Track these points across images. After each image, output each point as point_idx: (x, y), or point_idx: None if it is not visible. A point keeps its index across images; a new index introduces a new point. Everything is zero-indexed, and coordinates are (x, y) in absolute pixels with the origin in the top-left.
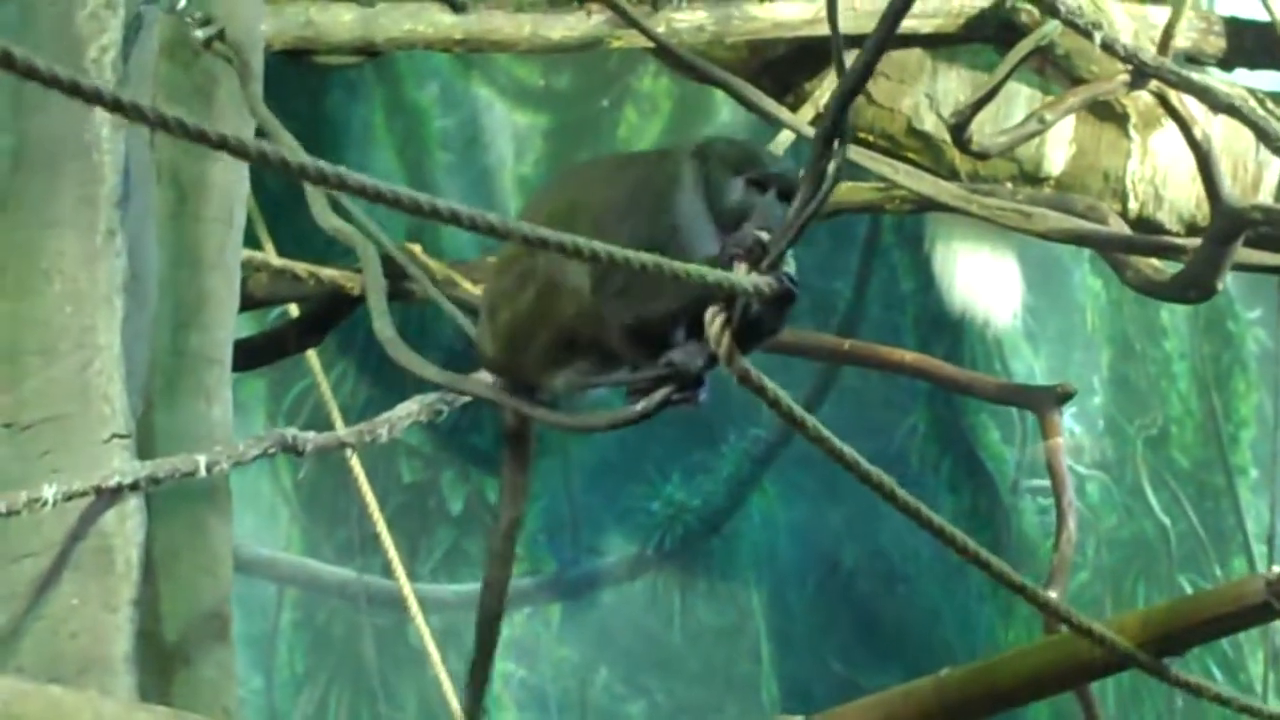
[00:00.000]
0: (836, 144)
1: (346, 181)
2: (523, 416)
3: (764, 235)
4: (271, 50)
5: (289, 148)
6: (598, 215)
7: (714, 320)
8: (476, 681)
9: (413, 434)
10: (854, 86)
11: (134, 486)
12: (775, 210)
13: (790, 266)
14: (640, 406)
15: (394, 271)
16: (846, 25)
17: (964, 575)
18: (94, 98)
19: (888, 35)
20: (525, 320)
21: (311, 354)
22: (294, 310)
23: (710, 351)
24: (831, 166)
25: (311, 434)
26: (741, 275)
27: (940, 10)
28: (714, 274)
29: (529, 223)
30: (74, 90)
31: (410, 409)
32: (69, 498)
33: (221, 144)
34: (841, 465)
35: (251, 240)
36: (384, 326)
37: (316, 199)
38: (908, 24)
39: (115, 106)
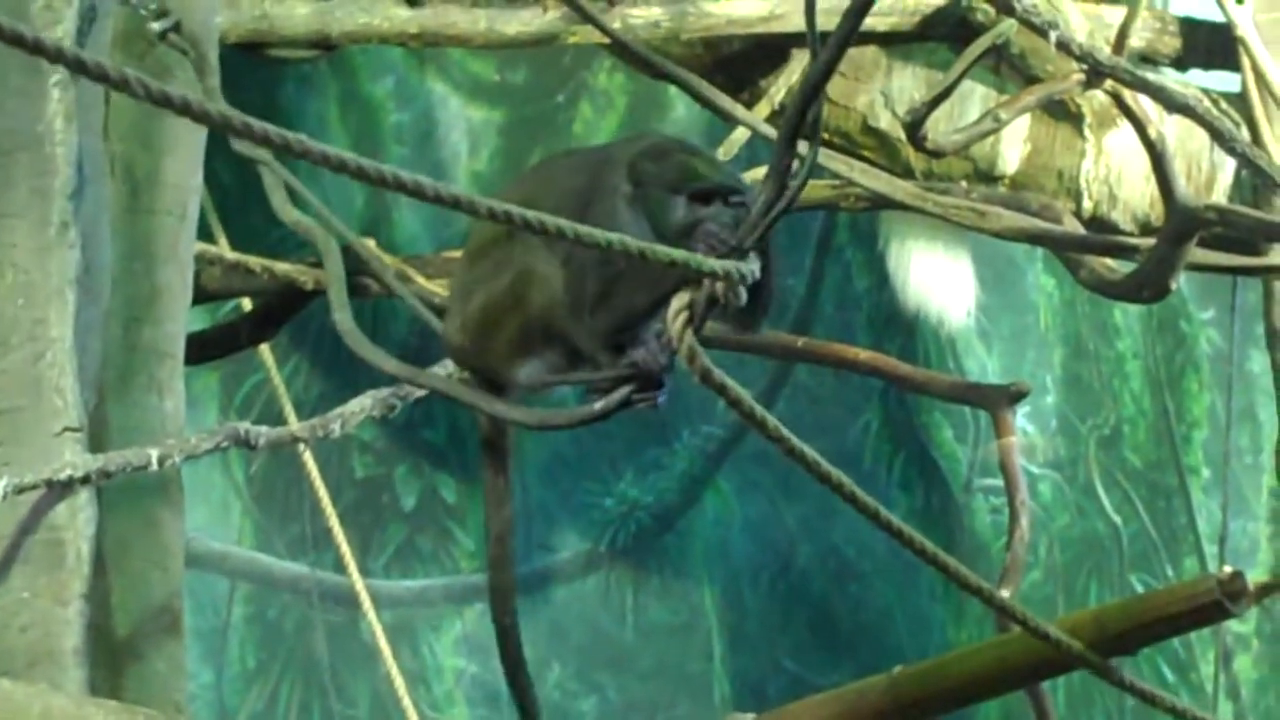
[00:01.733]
0: (808, 145)
1: (308, 150)
2: (497, 422)
3: (728, 236)
4: (226, 43)
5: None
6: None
7: (676, 318)
8: (522, 693)
9: (366, 429)
10: (816, 85)
11: (85, 480)
12: (723, 219)
13: (755, 265)
14: (600, 405)
15: (349, 267)
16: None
17: (917, 574)
18: (55, 56)
19: (849, 34)
20: (495, 307)
21: (265, 348)
22: (247, 304)
23: (672, 351)
24: (806, 164)
25: (264, 428)
26: (711, 260)
27: (896, 8)
28: (683, 255)
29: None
30: (37, 48)
31: (363, 404)
32: (20, 491)
33: (184, 108)
34: (801, 465)
35: (205, 233)
36: (344, 319)
37: (276, 191)
38: (864, 22)
39: (78, 66)
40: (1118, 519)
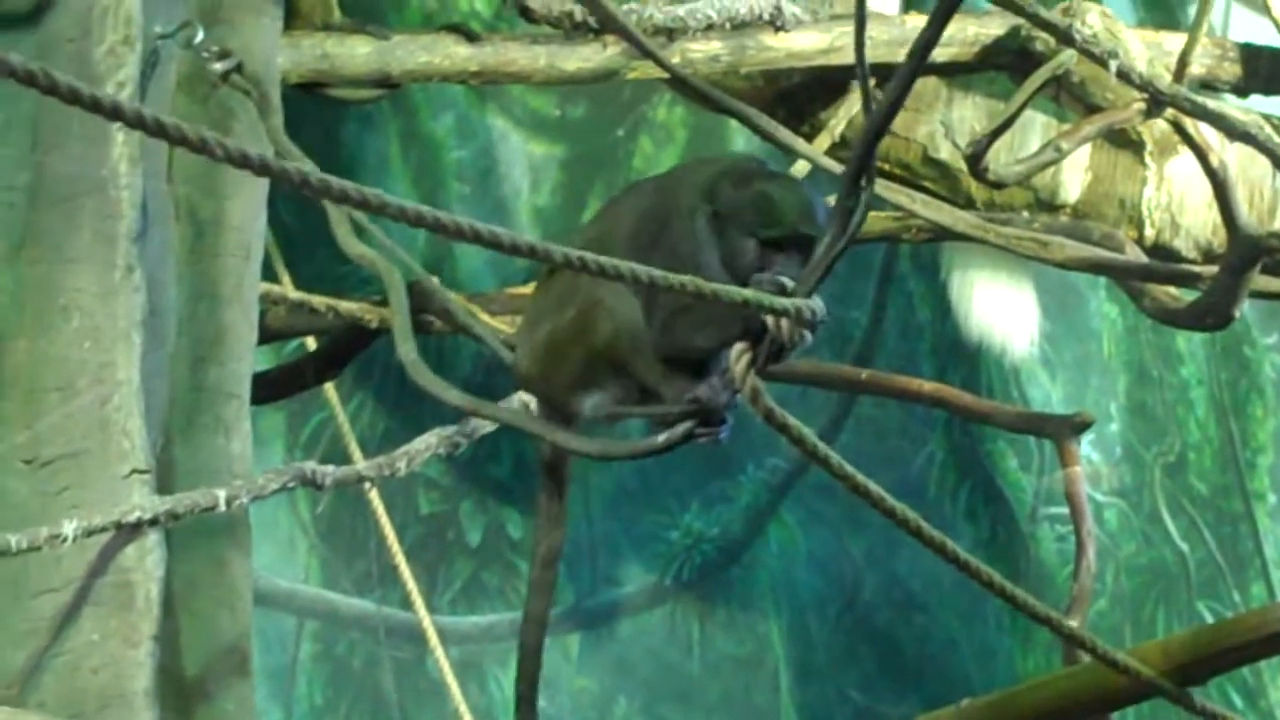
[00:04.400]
0: (863, 181)
1: (373, 201)
2: (558, 448)
3: (786, 280)
4: (288, 83)
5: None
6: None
7: (739, 359)
8: (524, 716)
9: (431, 465)
10: (880, 125)
11: (153, 522)
12: (791, 269)
13: (821, 304)
14: (663, 438)
15: (413, 304)
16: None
17: (983, 605)
18: (136, 122)
19: (914, 74)
20: (563, 336)
21: (329, 386)
22: (311, 343)
23: (734, 390)
24: (859, 206)
25: (331, 468)
26: (780, 298)
27: (955, 38)
28: (754, 295)
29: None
30: (112, 113)
31: (429, 441)
32: (89, 534)
33: (263, 169)
34: (865, 500)
35: (269, 273)
36: (408, 350)
37: (341, 224)
38: None
39: (158, 130)
40: (1184, 546)
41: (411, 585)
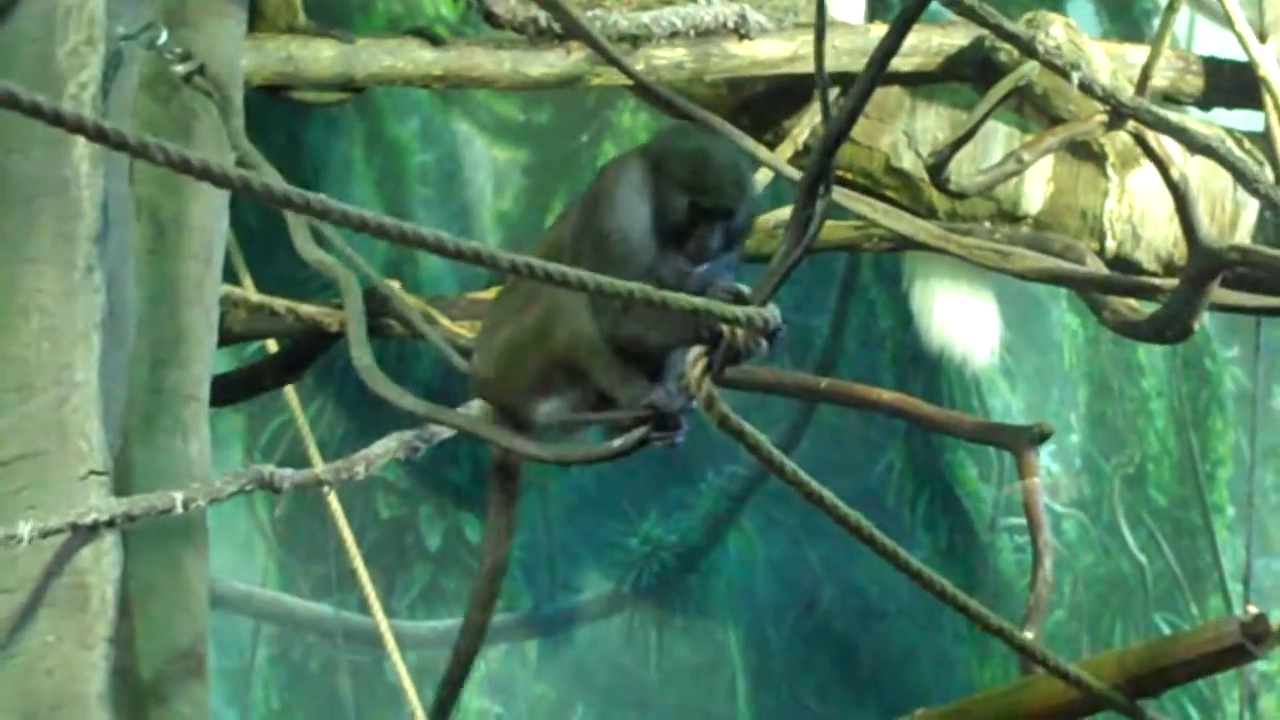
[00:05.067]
0: (821, 189)
1: (329, 210)
2: (509, 450)
3: (743, 288)
4: (251, 85)
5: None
6: (568, 228)
7: (695, 365)
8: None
9: (390, 469)
10: (838, 134)
11: (110, 523)
12: (713, 239)
13: (774, 311)
14: (618, 443)
15: (372, 308)
16: (827, 64)
17: (941, 614)
18: (77, 127)
19: (872, 83)
20: (522, 341)
21: (289, 389)
22: (272, 346)
23: (690, 396)
24: (816, 214)
25: (289, 471)
26: (733, 307)
27: (919, 49)
28: (704, 303)
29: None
30: (56, 120)
31: (388, 446)
32: (45, 535)
33: (205, 173)
34: (820, 509)
35: (230, 275)
36: (362, 355)
37: (299, 230)
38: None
39: (98, 136)
40: (1142, 558)
41: (369, 589)
